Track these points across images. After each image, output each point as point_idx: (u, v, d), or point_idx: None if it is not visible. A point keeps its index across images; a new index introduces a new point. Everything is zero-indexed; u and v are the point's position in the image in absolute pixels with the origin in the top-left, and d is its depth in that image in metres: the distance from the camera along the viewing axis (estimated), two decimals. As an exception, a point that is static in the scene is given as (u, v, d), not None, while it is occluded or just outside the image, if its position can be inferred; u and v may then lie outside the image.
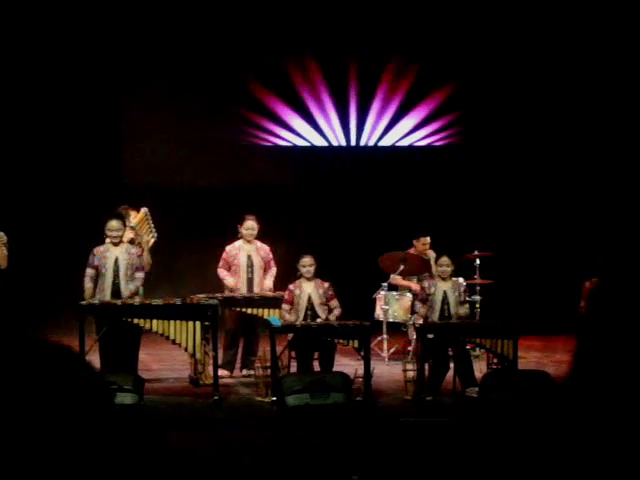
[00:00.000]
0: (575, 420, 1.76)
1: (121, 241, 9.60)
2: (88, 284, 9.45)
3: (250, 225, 10.54)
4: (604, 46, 14.22)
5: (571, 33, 14.32)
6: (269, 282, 10.56)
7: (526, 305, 12.71)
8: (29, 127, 14.02)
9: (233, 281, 10.46)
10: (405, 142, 15.12)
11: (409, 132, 15.08)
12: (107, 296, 9.41)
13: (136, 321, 9.08)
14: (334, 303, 9.70)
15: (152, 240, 10.49)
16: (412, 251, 11.78)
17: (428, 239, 11.82)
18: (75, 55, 13.94)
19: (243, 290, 10.50)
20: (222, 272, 10.55)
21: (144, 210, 10.46)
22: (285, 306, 9.73)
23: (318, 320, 9.57)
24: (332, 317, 9.62)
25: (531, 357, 11.24)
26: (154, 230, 10.53)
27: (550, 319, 12.10)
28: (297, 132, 14.91)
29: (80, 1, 13.93)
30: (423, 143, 15.14)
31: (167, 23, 14.16)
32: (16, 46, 13.75)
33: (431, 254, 11.64)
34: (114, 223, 9.57)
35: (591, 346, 1.79)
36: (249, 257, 10.52)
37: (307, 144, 14.98)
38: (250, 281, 10.53)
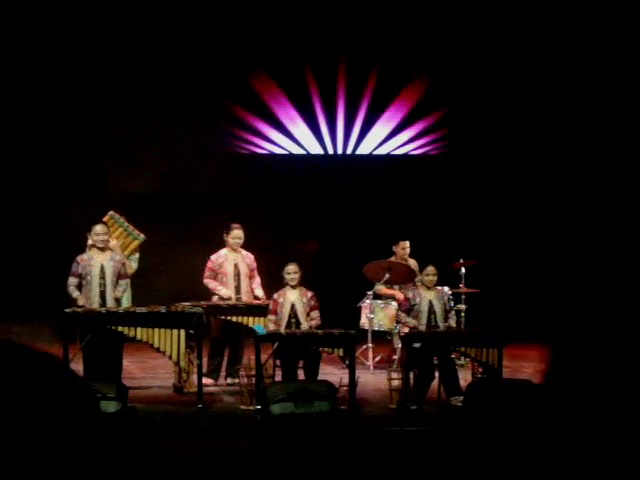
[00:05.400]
0: (551, 423, 1.77)
1: (106, 246, 9.57)
2: (75, 292, 9.40)
3: (237, 234, 10.53)
4: (587, 61, 14.26)
5: (555, 45, 14.36)
6: (260, 292, 10.53)
7: (512, 314, 12.71)
8: (12, 136, 13.96)
9: (227, 292, 10.41)
10: (384, 149, 15.10)
11: (386, 139, 15.06)
12: (94, 304, 9.38)
13: (120, 329, 9.04)
14: (315, 314, 9.70)
15: (135, 242, 10.40)
16: (393, 258, 11.78)
17: (407, 243, 11.82)
18: (60, 66, 13.90)
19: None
20: (211, 282, 10.48)
21: (109, 214, 10.37)
22: (271, 317, 9.74)
23: (302, 327, 9.58)
24: (308, 326, 9.62)
25: (516, 366, 11.24)
26: (134, 232, 10.43)
27: (535, 328, 12.11)
28: (276, 143, 14.91)
29: (62, 16, 13.88)
30: (404, 151, 15.14)
31: (149, 41, 14.13)
32: (3, 59, 13.72)
33: (412, 263, 11.64)
34: (99, 227, 9.56)
35: (564, 354, 1.80)
36: (235, 266, 10.50)
37: (287, 153, 14.98)
38: (237, 289, 10.50)
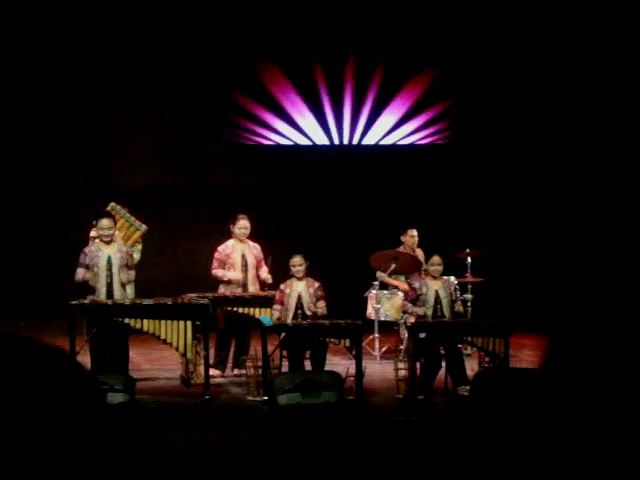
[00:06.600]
0: (548, 412, 1.76)
1: (112, 240, 9.55)
2: (84, 275, 9.37)
3: (243, 224, 10.52)
4: (594, 50, 14.23)
5: (561, 32, 14.33)
6: (266, 274, 10.52)
7: (518, 303, 12.70)
8: (16, 129, 13.97)
9: (236, 274, 10.39)
10: (390, 140, 15.09)
11: (392, 129, 15.05)
12: (101, 295, 9.37)
13: (127, 321, 9.03)
14: (321, 304, 9.69)
15: (137, 233, 10.37)
16: (401, 248, 11.77)
17: (415, 231, 11.82)
18: (64, 58, 13.90)
19: (237, 289, 10.47)
20: (219, 271, 10.45)
21: (111, 205, 10.34)
22: (276, 306, 9.73)
23: (308, 319, 9.58)
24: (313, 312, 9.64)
25: (523, 355, 11.24)
26: (136, 223, 10.39)
27: (541, 317, 12.09)
28: (282, 134, 14.89)
29: (69, 7, 13.87)
30: (410, 140, 15.12)
31: (153, 31, 14.11)
32: (9, 52, 13.72)
33: (419, 253, 11.64)
34: (105, 221, 9.51)
35: (560, 343, 1.79)
36: (243, 256, 10.50)
37: (292, 144, 14.97)
38: (245, 280, 10.50)
